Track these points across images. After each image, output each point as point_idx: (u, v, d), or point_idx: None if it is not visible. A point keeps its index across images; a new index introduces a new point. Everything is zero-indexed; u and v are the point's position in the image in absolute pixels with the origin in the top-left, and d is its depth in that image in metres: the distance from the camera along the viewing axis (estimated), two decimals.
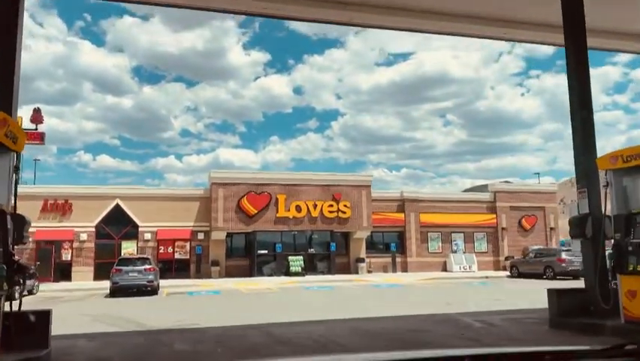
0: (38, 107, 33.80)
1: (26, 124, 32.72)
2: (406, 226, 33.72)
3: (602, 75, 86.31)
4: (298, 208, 30.51)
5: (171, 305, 16.61)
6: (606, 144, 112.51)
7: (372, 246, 33.32)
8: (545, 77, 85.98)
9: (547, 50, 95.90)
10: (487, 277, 28.77)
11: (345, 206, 31.16)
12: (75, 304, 16.87)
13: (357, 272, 31.18)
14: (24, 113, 33.04)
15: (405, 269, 33.20)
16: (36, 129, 33.01)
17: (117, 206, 29.48)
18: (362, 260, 31.73)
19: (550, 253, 26.96)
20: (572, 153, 10.67)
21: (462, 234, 34.91)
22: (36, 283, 21.73)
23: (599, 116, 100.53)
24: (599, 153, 10.23)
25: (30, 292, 21.08)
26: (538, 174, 42.43)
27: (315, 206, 30.74)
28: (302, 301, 17.01)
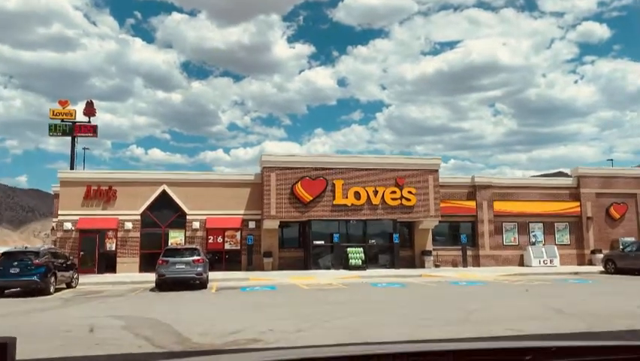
0: (91, 100, 32.40)
1: (80, 117, 31.59)
2: (478, 215, 30.16)
3: None
4: (357, 195, 27.56)
5: (224, 304, 14.06)
6: None
7: (439, 237, 30.00)
8: (601, 63, 79.67)
9: (604, 33, 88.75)
10: (576, 273, 24.96)
11: (409, 193, 27.95)
12: (113, 301, 14.60)
13: (422, 266, 27.98)
14: (79, 108, 31.92)
15: (477, 263, 29.71)
16: (89, 122, 31.68)
17: (164, 193, 27.42)
18: (428, 253, 28.48)
19: None
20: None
21: (541, 224, 31.03)
22: (75, 276, 19.78)
23: None
24: None
25: (68, 285, 19.19)
26: (612, 160, 37.67)
27: (375, 192, 27.70)
28: (379, 301, 14.09)
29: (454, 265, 29.55)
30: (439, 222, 28.67)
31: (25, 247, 18.63)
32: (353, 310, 11.68)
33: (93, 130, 32.00)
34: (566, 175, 38.11)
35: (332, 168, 27.55)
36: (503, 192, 30.74)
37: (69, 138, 32.18)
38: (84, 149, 48.14)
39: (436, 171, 28.61)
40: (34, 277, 16.45)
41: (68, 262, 19.32)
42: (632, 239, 30.29)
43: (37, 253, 17.14)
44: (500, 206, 30.46)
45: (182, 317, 10.67)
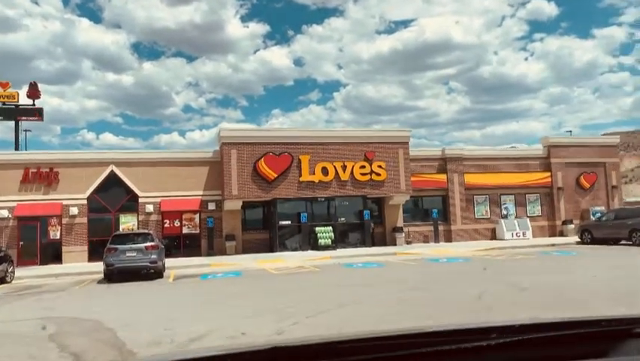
0: (34, 82, 29.11)
1: (23, 100, 28.44)
2: (449, 189, 29.04)
3: (607, 37, 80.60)
4: (325, 171, 25.84)
5: (182, 298, 12.14)
6: (612, 107, 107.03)
7: (409, 213, 28.74)
8: (549, 40, 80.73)
9: (552, 11, 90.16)
10: (553, 245, 24.22)
11: (379, 167, 26.44)
12: (50, 298, 12.43)
13: (394, 243, 26.69)
14: (23, 92, 28.72)
15: (449, 239, 28.68)
16: (34, 105, 28.55)
17: (112, 173, 24.90)
18: (400, 230, 27.19)
19: (636, 213, 22.25)
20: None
21: (512, 196, 30.22)
22: (10, 269, 17.32)
23: (604, 79, 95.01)
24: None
25: (2, 280, 16.73)
26: (570, 131, 37.33)
27: (344, 167, 26.05)
28: (362, 285, 12.48)
29: (426, 241, 28.43)
30: (410, 197, 27.38)
31: None
32: (338, 298, 10.00)
33: (38, 113, 29.05)
34: None
35: (297, 143, 25.66)
36: (474, 164, 29.69)
37: (12, 123, 29.10)
38: (25, 131, 44.36)
39: (406, 143, 27.17)
40: None
41: (1, 254, 16.84)
42: (602, 208, 29.97)
43: None
44: (471, 179, 29.42)
45: (131, 318, 8.74)
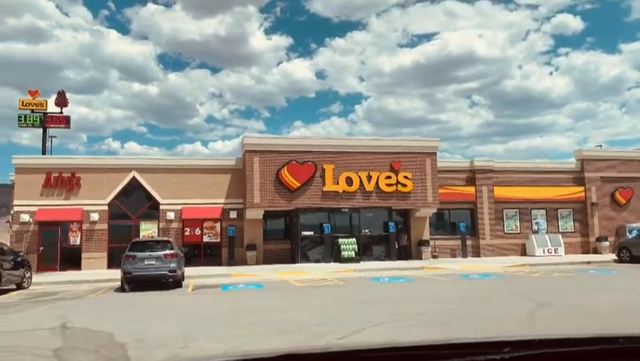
0: (62, 90, 29.25)
1: (51, 108, 28.56)
2: (478, 202, 28.00)
3: (634, 51, 78.63)
4: (349, 181, 25.10)
5: (201, 310, 11.48)
6: (639, 123, 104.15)
7: (435, 226, 27.77)
8: (575, 55, 79.12)
9: (577, 26, 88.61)
10: (589, 263, 23.01)
11: (405, 178, 25.59)
12: (65, 306, 11.90)
13: (419, 257, 25.73)
14: (52, 100, 28.92)
15: (477, 254, 27.59)
16: (61, 113, 28.63)
17: (134, 180, 24.57)
18: (426, 243, 26.23)
19: None
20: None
21: (543, 211, 29.03)
22: (27, 275, 16.93)
23: (631, 94, 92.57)
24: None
25: (19, 286, 16.36)
26: (601, 146, 35.90)
27: (369, 178, 25.27)
28: (392, 301, 11.65)
29: (453, 255, 27.40)
30: (436, 209, 26.44)
31: None
32: (371, 316, 9.20)
33: (66, 121, 29.14)
34: None
35: (321, 152, 25.01)
36: (504, 177, 28.63)
37: (41, 131, 29.22)
38: (51, 137, 44.68)
39: (434, 154, 26.29)
40: None
41: (18, 259, 16.47)
42: (639, 225, 28.55)
43: None
44: (501, 192, 28.35)
45: (145, 332, 8.10)
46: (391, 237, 25.48)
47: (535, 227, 28.77)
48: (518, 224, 28.67)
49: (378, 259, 25.04)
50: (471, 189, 27.97)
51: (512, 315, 9.11)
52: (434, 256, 26.47)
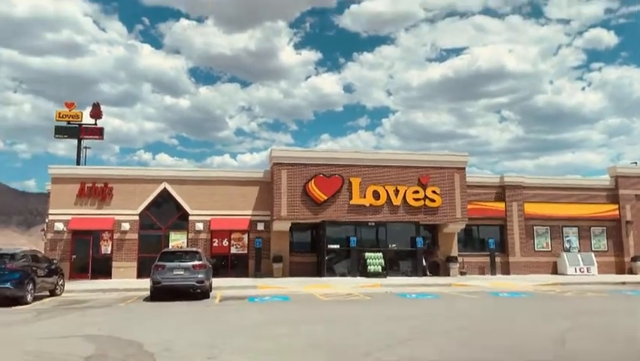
0: (97, 103, 30.28)
1: (86, 119, 29.55)
2: (507, 219, 27.53)
3: None
4: (376, 194, 25.02)
5: (226, 321, 11.57)
6: None
7: (463, 242, 27.38)
8: (608, 70, 77.47)
9: (611, 40, 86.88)
10: (624, 283, 22.31)
11: (433, 192, 25.37)
12: (95, 314, 12.17)
13: (447, 274, 25.39)
14: (87, 112, 29.97)
15: (506, 271, 27.07)
16: (95, 124, 29.56)
17: (164, 191, 25.02)
18: (454, 259, 25.86)
19: None
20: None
21: (575, 228, 28.35)
22: (60, 282, 17.37)
23: None
24: None
25: (52, 293, 16.80)
26: (636, 163, 34.85)
27: (396, 192, 25.14)
28: (421, 316, 11.52)
29: (481, 272, 26.94)
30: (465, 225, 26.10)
31: None
32: (399, 332, 9.11)
33: (100, 132, 30.10)
34: None
35: (349, 165, 25.04)
36: (535, 193, 28.10)
37: (76, 141, 30.14)
38: (85, 148, 45.93)
39: (463, 169, 26.03)
40: (7, 284, 14.10)
41: (52, 267, 16.91)
42: None
43: (12, 256, 14.74)
44: (531, 208, 27.83)
45: (173, 342, 8.21)
46: (419, 252, 25.23)
47: (566, 245, 28.10)
48: (549, 242, 28.05)
49: (404, 274, 24.80)
50: (500, 205, 27.54)
51: (542, 335, 8.90)
52: (462, 273, 26.07)
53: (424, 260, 25.40)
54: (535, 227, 28.02)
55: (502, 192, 27.75)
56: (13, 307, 13.75)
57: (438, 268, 25.64)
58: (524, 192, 27.90)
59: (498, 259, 27.11)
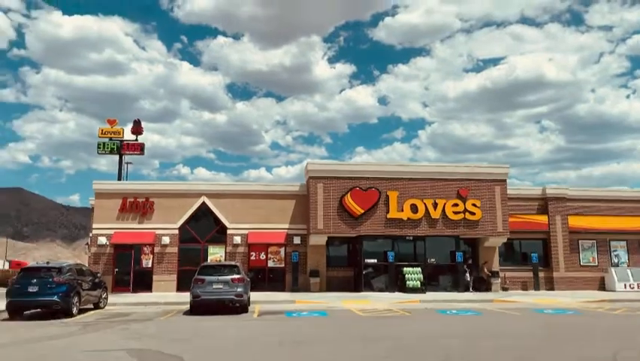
0: (138, 119, 31.35)
1: (127, 135, 30.58)
2: (551, 232, 26.69)
3: None
4: (414, 208, 24.70)
5: (266, 336, 11.55)
6: None
7: (504, 256, 26.66)
8: None
9: None
10: None
11: (473, 205, 24.86)
12: (137, 328, 12.36)
13: (488, 289, 24.73)
14: (128, 129, 31.01)
15: (550, 287, 26.18)
16: (136, 140, 30.53)
17: (203, 204, 25.40)
18: (495, 274, 25.19)
19: None
20: None
21: (624, 242, 27.25)
22: (104, 295, 17.78)
23: None
24: None
25: (96, 306, 17.19)
26: None
27: (435, 205, 24.76)
28: (461, 334, 11.21)
29: (524, 288, 26.14)
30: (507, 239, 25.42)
31: (47, 263, 16.78)
32: (444, 350, 8.87)
33: (140, 148, 31.02)
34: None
35: (385, 178, 24.85)
36: (579, 205, 27.18)
37: (117, 157, 31.10)
38: (127, 163, 47.24)
39: (504, 181, 25.45)
40: (55, 297, 14.51)
41: (96, 280, 17.34)
42: None
43: (59, 270, 15.19)
44: (576, 221, 26.90)
45: (213, 357, 8.21)
46: (459, 267, 24.71)
47: (614, 260, 27.01)
48: (596, 256, 27.03)
49: (444, 289, 24.30)
50: (543, 218, 26.74)
51: (593, 356, 8.50)
52: (504, 289, 25.36)
53: (467, 275, 24.83)
54: (580, 241, 27.06)
55: (544, 204, 26.96)
56: (59, 320, 14.13)
57: (483, 284, 24.99)
58: (568, 205, 27.02)
59: (541, 274, 26.26)
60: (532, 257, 26.17)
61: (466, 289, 24.34)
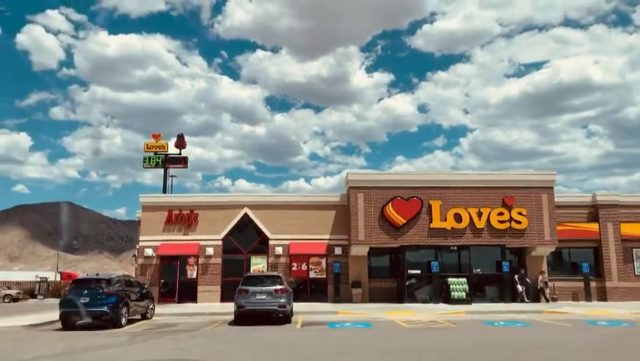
0: (182, 134, 32.26)
1: (172, 150, 31.50)
2: (602, 240, 25.66)
3: None
4: (458, 217, 24.26)
5: (311, 347, 11.53)
6: None
7: (554, 266, 25.78)
8: None
9: None
10: None
11: (519, 214, 24.21)
12: (184, 339, 12.57)
13: (537, 300, 23.94)
14: (172, 143, 31.85)
15: (603, 297, 25.12)
16: (180, 154, 31.42)
17: (245, 216, 25.73)
18: (544, 285, 24.36)
19: None
20: None
21: None
22: (151, 306, 18.19)
23: None
24: None
25: (143, 316, 17.59)
26: None
27: (479, 214, 24.24)
28: (510, 346, 10.86)
29: (575, 298, 25.16)
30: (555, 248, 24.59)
31: (97, 274, 17.32)
32: None
33: (184, 162, 31.81)
34: None
35: (427, 187, 24.52)
36: (632, 212, 26.04)
37: (162, 171, 31.95)
38: (171, 177, 48.40)
39: (551, 188, 24.70)
40: (104, 308, 14.94)
41: (143, 291, 17.79)
42: None
43: (108, 281, 15.65)
44: (629, 229, 25.78)
45: None
46: (505, 277, 24.05)
47: None
48: None
49: (491, 300, 23.69)
50: (594, 226, 25.74)
51: None
52: (553, 299, 24.48)
53: (519, 285, 24.06)
54: (634, 249, 25.88)
55: (594, 211, 25.97)
56: (109, 330, 14.53)
57: (538, 294, 24.19)
58: (620, 212, 25.93)
59: (593, 285, 25.25)
60: (583, 267, 25.19)
61: (522, 300, 23.60)
